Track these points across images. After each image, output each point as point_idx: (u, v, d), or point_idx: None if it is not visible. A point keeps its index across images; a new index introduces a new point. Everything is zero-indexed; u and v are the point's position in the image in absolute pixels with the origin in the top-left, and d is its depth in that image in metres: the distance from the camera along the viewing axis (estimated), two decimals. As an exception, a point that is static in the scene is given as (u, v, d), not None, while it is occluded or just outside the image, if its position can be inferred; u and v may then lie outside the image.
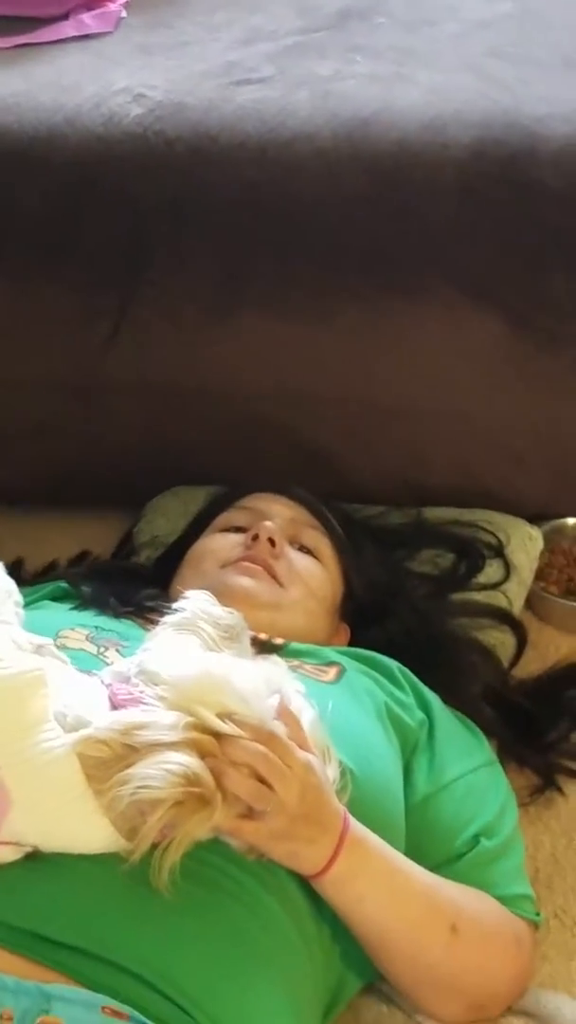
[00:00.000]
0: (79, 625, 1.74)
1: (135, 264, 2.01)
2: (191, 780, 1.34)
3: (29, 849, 1.40)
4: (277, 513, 1.93)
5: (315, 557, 1.92)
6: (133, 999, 1.34)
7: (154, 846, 1.36)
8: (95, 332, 2.04)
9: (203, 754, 1.37)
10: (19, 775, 1.36)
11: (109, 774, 1.35)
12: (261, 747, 1.40)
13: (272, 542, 1.87)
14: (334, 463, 2.14)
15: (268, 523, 1.89)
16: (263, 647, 1.68)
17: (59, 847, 1.40)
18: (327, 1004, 1.55)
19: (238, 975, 1.41)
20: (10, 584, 1.64)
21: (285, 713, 1.44)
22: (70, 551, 2.15)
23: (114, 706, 1.42)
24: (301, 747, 1.44)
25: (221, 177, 2.01)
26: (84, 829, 1.38)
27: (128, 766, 1.34)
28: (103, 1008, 1.32)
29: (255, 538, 1.87)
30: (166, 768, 1.33)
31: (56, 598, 1.91)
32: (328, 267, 2.02)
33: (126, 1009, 1.33)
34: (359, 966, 1.57)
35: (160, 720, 1.37)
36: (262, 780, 1.40)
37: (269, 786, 1.40)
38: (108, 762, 1.35)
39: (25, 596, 1.71)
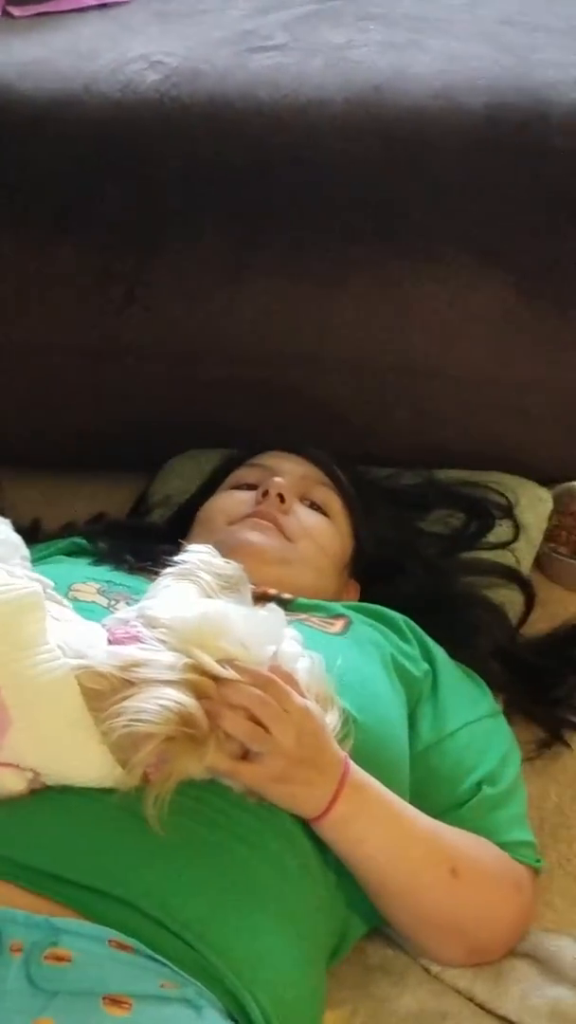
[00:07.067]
0: (91, 579, 1.76)
1: (150, 228, 2.03)
2: (184, 718, 1.36)
3: (31, 775, 1.41)
4: (288, 470, 1.95)
5: (325, 514, 1.94)
6: (140, 933, 1.36)
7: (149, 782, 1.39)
8: (110, 296, 2.06)
9: (200, 696, 1.39)
10: (18, 693, 1.38)
11: (105, 706, 1.37)
12: (258, 691, 1.42)
13: (281, 498, 1.89)
14: (348, 425, 2.16)
15: (278, 479, 1.91)
16: (271, 602, 1.70)
17: (58, 773, 1.42)
18: (333, 945, 1.57)
19: (242, 910, 1.43)
20: (17, 539, 1.66)
21: (276, 665, 1.46)
22: (87, 513, 2.17)
23: (112, 644, 1.44)
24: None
25: (236, 143, 2.03)
26: (82, 755, 1.40)
27: (124, 699, 1.36)
28: (110, 941, 1.35)
29: (265, 494, 1.90)
30: (161, 703, 1.35)
31: (70, 554, 1.94)
32: (340, 232, 2.03)
33: (132, 942, 1.35)
34: (364, 910, 1.59)
35: (159, 659, 1.40)
36: (259, 724, 1.42)
37: (266, 729, 1.42)
38: (105, 694, 1.38)
39: (38, 551, 1.74)
